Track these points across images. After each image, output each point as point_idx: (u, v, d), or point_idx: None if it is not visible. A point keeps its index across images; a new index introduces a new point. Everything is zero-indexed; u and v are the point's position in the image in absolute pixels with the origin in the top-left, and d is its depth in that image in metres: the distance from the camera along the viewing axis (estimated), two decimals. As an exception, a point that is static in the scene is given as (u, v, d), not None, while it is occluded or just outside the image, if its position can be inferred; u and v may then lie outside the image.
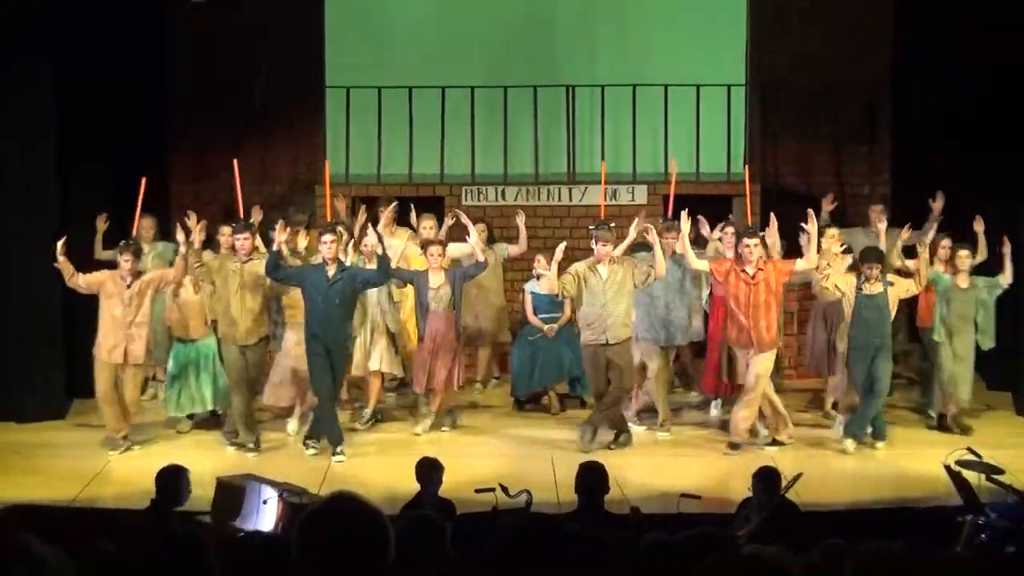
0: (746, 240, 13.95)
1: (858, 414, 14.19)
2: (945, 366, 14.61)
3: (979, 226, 14.99)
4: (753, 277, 13.87)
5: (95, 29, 15.75)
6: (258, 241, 14.69)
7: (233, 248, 14.28)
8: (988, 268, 14.78)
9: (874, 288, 14.10)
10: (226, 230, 14.86)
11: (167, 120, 18.08)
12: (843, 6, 18.30)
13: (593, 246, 14.13)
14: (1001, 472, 10.82)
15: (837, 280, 14.38)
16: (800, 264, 14.01)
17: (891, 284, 14.16)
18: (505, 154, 17.96)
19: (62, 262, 13.79)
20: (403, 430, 14.96)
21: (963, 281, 14.65)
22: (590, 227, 14.79)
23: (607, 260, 14.00)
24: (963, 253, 14.60)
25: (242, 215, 15.18)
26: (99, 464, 13.69)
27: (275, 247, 13.80)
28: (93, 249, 15.00)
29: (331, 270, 13.78)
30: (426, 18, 19.09)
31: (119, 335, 13.91)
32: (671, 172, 16.16)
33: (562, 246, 14.23)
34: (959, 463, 10.69)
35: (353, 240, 14.88)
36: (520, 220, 16.00)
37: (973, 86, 16.16)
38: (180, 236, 14.29)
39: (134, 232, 14.95)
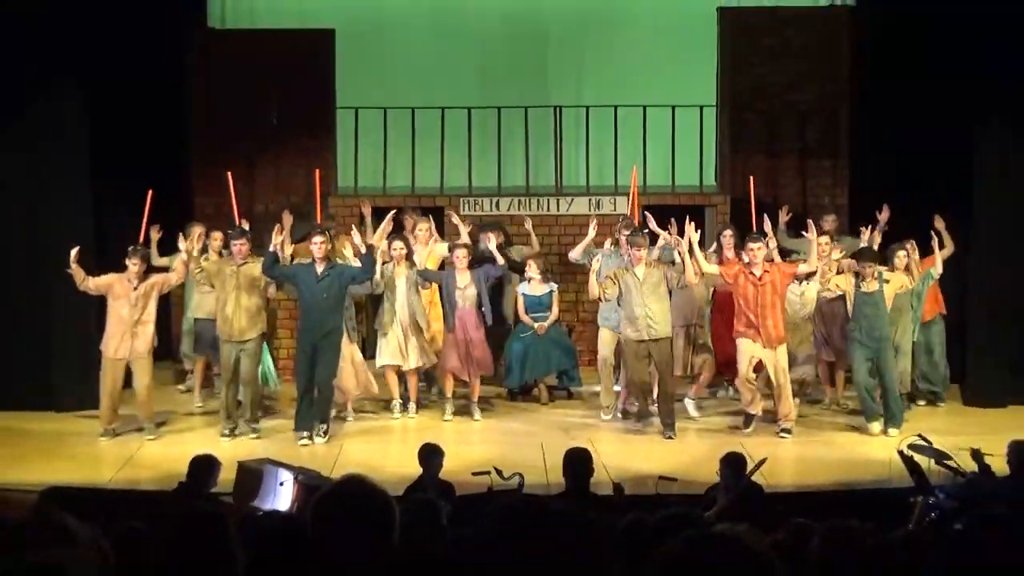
0: (750, 244, 13.93)
1: (886, 408, 14.15)
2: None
3: (939, 224, 14.98)
4: (760, 279, 13.85)
5: (124, 52, 15.80)
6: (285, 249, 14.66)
7: (228, 251, 14.31)
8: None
9: (871, 286, 14.10)
10: (217, 235, 14.97)
11: (191, 137, 18.06)
12: (805, 32, 18.33)
13: (627, 251, 14.21)
14: (949, 457, 10.81)
15: (837, 280, 14.39)
16: (803, 268, 14.01)
17: (887, 281, 14.15)
18: (499, 168, 17.97)
19: (74, 269, 13.79)
20: (406, 417, 14.96)
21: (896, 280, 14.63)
22: (625, 232, 14.72)
23: (641, 262, 14.04)
24: (900, 254, 14.56)
25: (238, 222, 15.15)
26: (131, 450, 13.67)
27: (271, 248, 13.80)
28: (148, 257, 14.80)
29: (320, 268, 13.79)
30: (427, 46, 19.15)
31: (125, 333, 13.91)
32: (632, 180, 16.16)
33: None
34: (911, 448, 10.68)
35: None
36: (528, 225, 16.06)
37: (925, 104, 16.19)
38: (182, 244, 14.34)
39: (140, 240, 14.89)
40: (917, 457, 10.56)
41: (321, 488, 4.32)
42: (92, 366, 15.15)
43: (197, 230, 14.85)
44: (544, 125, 18.44)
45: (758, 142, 18.51)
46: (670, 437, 13.99)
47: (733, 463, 10.46)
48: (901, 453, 10.63)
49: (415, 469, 10.87)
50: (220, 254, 14.92)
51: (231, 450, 12.92)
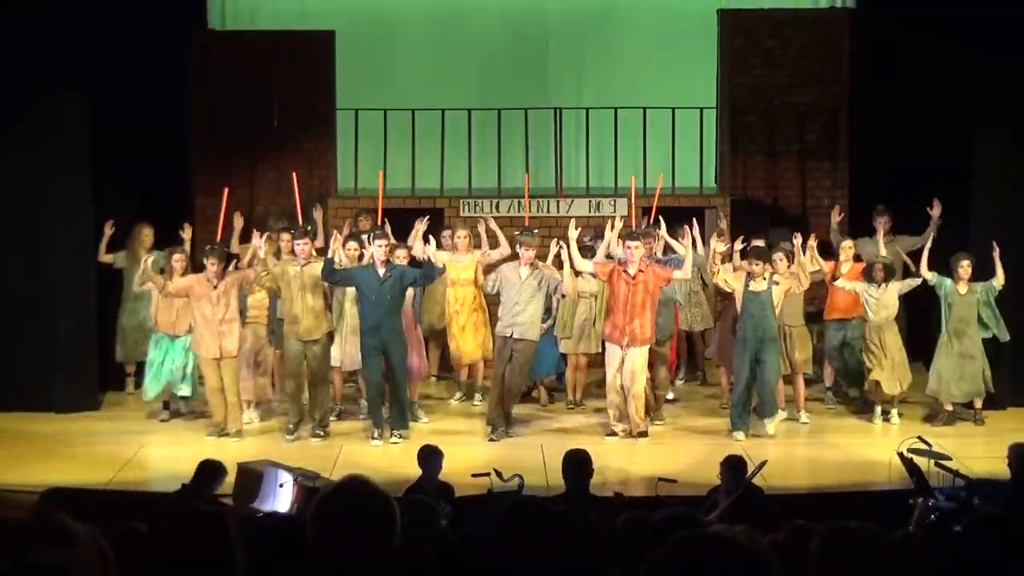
0: (628, 242, 13.88)
1: (760, 401, 14.20)
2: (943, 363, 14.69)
3: (936, 210, 15.01)
4: (634, 278, 13.80)
5: (125, 53, 15.82)
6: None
7: (293, 252, 14.32)
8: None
9: (759, 285, 14.07)
10: (285, 236, 14.82)
11: (191, 140, 18.06)
12: (804, 34, 18.36)
13: (518, 250, 14.25)
14: (949, 459, 10.83)
15: (726, 276, 14.31)
16: (677, 274, 13.95)
17: (776, 283, 14.12)
18: (499, 170, 17.95)
19: (154, 278, 14.01)
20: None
21: (963, 287, 14.62)
22: (515, 233, 14.76)
23: (527, 263, 14.12)
24: (964, 263, 14.58)
25: (301, 224, 15.19)
26: (131, 451, 13.67)
27: (330, 255, 13.92)
28: (226, 255, 14.73)
29: (381, 270, 13.86)
30: (427, 48, 19.17)
31: (212, 332, 13.94)
32: (657, 185, 16.15)
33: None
34: (911, 450, 10.69)
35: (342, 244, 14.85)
36: (492, 224, 15.83)
37: (925, 105, 16.21)
38: (257, 241, 14.35)
39: (218, 238, 14.95)
40: (917, 459, 10.57)
41: (321, 490, 4.32)
42: (92, 367, 15.21)
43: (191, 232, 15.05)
44: (544, 127, 18.43)
45: (758, 143, 18.54)
46: (493, 440, 14.04)
47: (733, 466, 10.47)
48: (901, 455, 10.65)
49: (414, 470, 10.87)
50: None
51: (232, 452, 12.90)
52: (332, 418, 14.67)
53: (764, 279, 14.03)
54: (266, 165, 18.03)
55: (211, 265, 13.94)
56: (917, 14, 16.40)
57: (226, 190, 15.42)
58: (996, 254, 14.53)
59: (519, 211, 17.30)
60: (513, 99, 18.45)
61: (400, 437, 13.95)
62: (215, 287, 13.93)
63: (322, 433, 14.10)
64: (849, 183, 18.15)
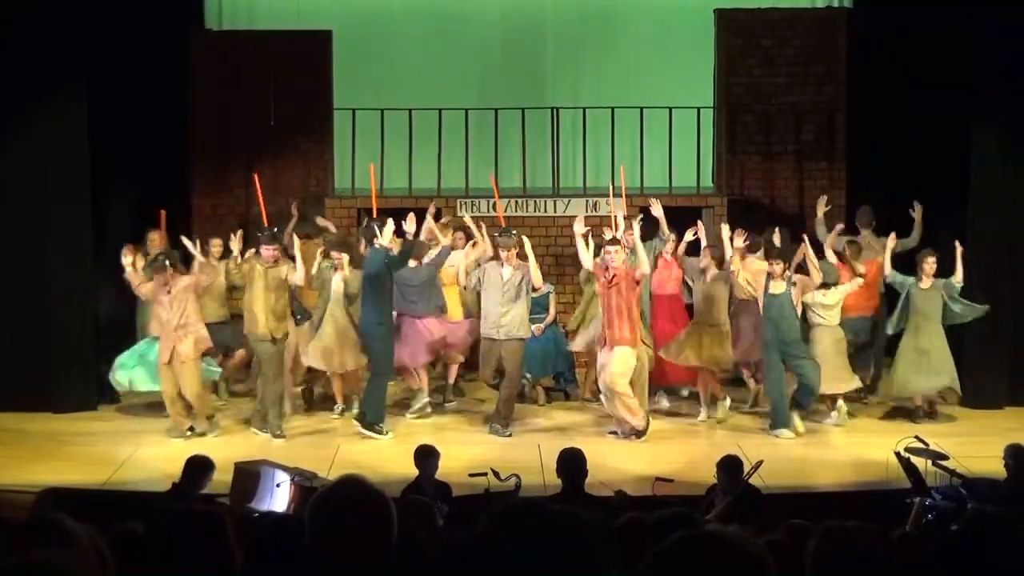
0: (607, 247, 13.89)
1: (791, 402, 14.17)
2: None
3: (917, 214, 15.01)
4: (610, 282, 13.84)
5: (122, 53, 15.82)
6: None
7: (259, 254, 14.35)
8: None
9: (777, 287, 14.05)
10: (216, 242, 15.20)
11: (189, 139, 18.07)
12: (801, 34, 18.39)
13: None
14: (946, 458, 10.85)
15: (747, 276, 14.33)
16: (638, 273, 13.92)
17: (794, 284, 14.13)
18: (496, 169, 17.95)
19: (130, 273, 14.05)
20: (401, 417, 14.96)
21: (926, 283, 14.61)
22: (495, 234, 14.77)
23: (508, 263, 14.18)
24: (930, 259, 14.59)
25: (267, 225, 15.18)
26: (127, 451, 13.67)
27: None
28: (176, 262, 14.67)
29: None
30: (424, 48, 19.20)
31: (168, 337, 13.92)
32: (621, 179, 16.10)
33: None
34: (908, 450, 10.70)
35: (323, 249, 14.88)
36: (468, 219, 15.87)
37: (922, 105, 16.23)
38: (235, 246, 14.51)
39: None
40: (914, 459, 10.58)
41: (318, 489, 4.32)
42: (91, 367, 15.20)
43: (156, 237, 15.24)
44: (541, 126, 18.43)
45: (755, 143, 18.55)
46: (501, 433, 14.23)
47: (729, 466, 10.46)
48: (898, 454, 10.66)
49: (411, 470, 10.86)
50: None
51: (229, 451, 12.89)
52: (334, 416, 14.81)
53: (783, 280, 14.03)
54: (263, 165, 18.03)
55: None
56: (914, 13, 16.42)
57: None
58: (960, 254, 14.55)
59: (516, 211, 17.33)
60: (510, 99, 18.45)
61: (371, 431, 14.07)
62: (168, 292, 13.91)
63: (280, 434, 14.11)
64: (846, 183, 18.15)
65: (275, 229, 14.66)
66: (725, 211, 17.23)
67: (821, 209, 16.18)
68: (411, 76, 18.94)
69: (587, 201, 17.64)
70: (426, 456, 10.85)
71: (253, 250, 14.36)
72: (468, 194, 17.75)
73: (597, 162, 18.33)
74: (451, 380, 15.77)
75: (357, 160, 17.94)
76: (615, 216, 14.97)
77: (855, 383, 14.65)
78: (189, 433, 14.03)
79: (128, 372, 14.60)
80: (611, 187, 15.74)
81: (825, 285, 14.33)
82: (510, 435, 14.21)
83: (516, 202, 17.58)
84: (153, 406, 14.82)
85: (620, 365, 13.82)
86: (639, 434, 13.95)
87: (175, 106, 17.54)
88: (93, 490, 12.03)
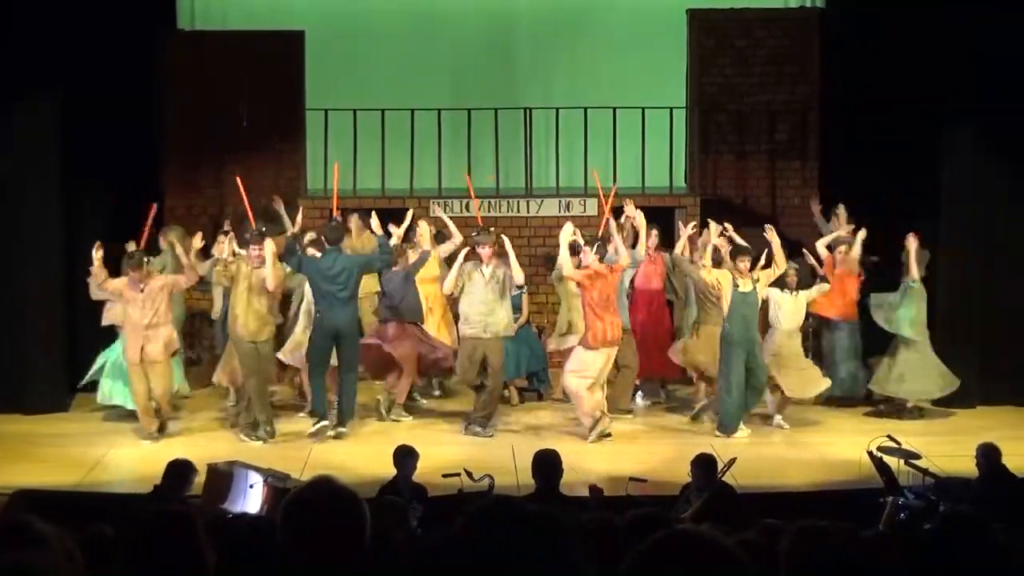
0: (586, 247, 13.96)
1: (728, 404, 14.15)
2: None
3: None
4: (593, 282, 13.92)
5: (94, 53, 15.72)
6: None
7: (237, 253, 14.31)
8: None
9: (745, 285, 14.08)
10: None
11: (161, 139, 18.01)
12: (774, 34, 18.44)
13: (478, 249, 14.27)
14: (918, 457, 10.88)
15: (718, 275, 14.25)
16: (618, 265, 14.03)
17: (758, 281, 14.16)
18: (469, 170, 17.94)
19: (96, 272, 13.89)
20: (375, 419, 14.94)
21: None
22: (472, 234, 14.76)
23: (488, 261, 14.18)
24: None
25: (253, 226, 15.11)
26: (100, 452, 13.62)
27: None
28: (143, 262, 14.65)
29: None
30: (397, 48, 19.14)
31: (137, 336, 13.86)
32: (597, 184, 16.14)
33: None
34: (880, 449, 10.73)
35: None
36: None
37: (894, 105, 16.27)
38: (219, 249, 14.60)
39: (142, 246, 14.81)
40: (886, 458, 10.61)
41: (291, 491, 4.31)
42: (61, 368, 15.15)
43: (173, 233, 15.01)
44: (514, 127, 18.43)
45: (728, 143, 18.59)
46: (482, 434, 14.20)
47: (705, 464, 10.49)
48: (871, 454, 10.69)
49: (385, 470, 10.85)
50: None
51: (201, 452, 12.85)
52: (302, 416, 14.77)
53: (750, 278, 14.04)
54: (236, 165, 17.96)
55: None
56: (887, 13, 16.46)
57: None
58: (913, 249, 14.68)
59: (489, 211, 17.32)
60: (483, 99, 18.45)
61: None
62: (141, 291, 13.86)
63: (268, 433, 14.05)
64: (819, 182, 18.20)
65: (263, 229, 14.60)
66: (698, 211, 17.27)
67: (816, 208, 16.57)
68: (384, 76, 18.91)
69: (560, 201, 17.67)
70: (405, 456, 10.85)
71: (241, 249, 14.30)
72: (441, 194, 17.75)
73: (570, 162, 18.35)
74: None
75: (329, 160, 17.88)
76: (632, 217, 14.96)
77: (825, 383, 14.65)
78: (158, 435, 13.98)
79: (111, 382, 14.54)
80: (600, 191, 15.78)
81: (785, 283, 14.37)
82: (492, 435, 14.20)
83: (489, 202, 17.57)
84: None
85: (574, 363, 13.91)
86: (604, 435, 13.92)
87: (148, 106, 17.46)
88: (66, 492, 11.98)
